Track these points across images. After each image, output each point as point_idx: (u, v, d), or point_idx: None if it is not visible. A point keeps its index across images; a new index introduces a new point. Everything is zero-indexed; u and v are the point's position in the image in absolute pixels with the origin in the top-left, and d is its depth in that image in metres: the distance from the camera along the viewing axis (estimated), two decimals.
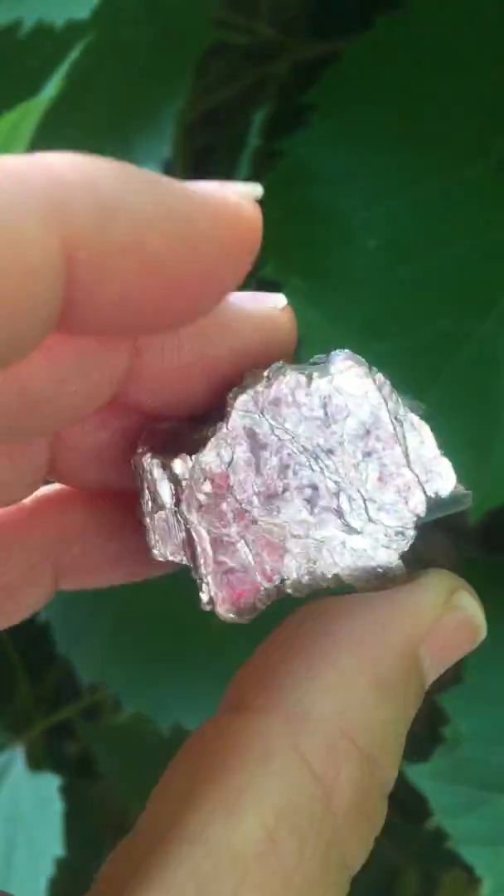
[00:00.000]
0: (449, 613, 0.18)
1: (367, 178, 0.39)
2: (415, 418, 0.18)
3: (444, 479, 0.19)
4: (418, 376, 0.34)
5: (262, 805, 0.15)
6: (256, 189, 0.16)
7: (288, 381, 0.18)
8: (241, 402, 0.18)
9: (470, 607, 0.18)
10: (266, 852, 0.14)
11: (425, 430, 0.18)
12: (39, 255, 0.13)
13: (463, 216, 0.37)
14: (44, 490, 0.21)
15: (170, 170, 0.48)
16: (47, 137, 0.38)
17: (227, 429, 0.18)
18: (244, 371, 0.18)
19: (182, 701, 0.47)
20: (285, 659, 0.17)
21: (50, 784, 0.53)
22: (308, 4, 0.58)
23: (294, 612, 0.18)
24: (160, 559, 0.19)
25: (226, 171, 0.51)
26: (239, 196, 0.15)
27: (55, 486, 0.21)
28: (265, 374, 0.18)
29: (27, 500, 0.20)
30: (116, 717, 0.60)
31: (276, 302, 0.19)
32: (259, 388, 0.18)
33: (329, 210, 0.38)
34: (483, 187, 0.37)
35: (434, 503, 0.19)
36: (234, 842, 0.14)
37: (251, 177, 0.37)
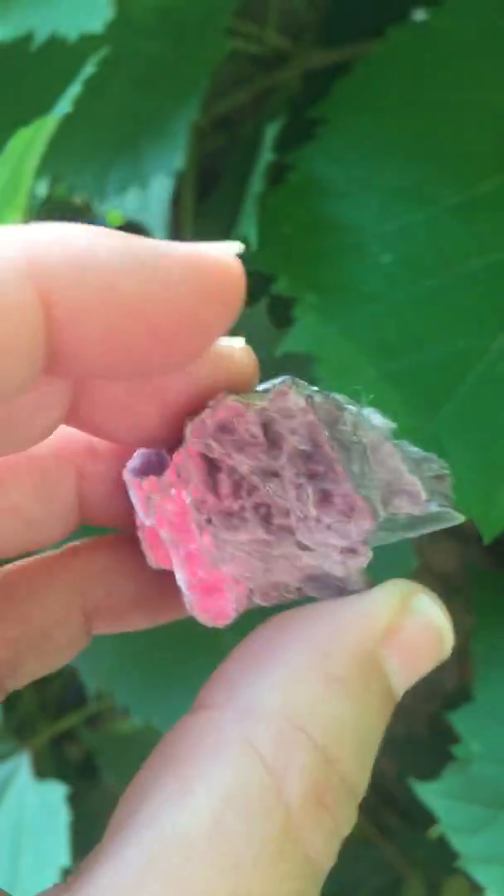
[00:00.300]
0: (408, 617, 0.18)
1: (380, 192, 0.38)
2: (379, 437, 0.19)
3: (413, 498, 0.19)
4: (433, 394, 0.34)
5: (210, 791, 0.15)
6: (235, 246, 0.17)
7: (228, 410, 0.19)
8: (192, 430, 0.19)
9: (429, 610, 0.18)
10: (213, 833, 0.15)
11: (389, 449, 0.19)
12: (15, 296, 0.14)
13: (478, 232, 0.37)
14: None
15: (181, 181, 0.47)
16: (58, 151, 0.38)
17: (186, 453, 0.19)
18: (207, 399, 0.19)
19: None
20: (241, 661, 0.18)
21: (56, 792, 0.53)
22: (318, 13, 0.58)
23: (260, 624, 0.19)
24: (155, 567, 0.20)
25: (235, 179, 0.51)
26: (217, 251, 0.16)
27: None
28: (209, 403, 0.19)
29: (54, 551, 0.21)
30: (121, 725, 0.60)
31: (233, 342, 0.19)
32: (204, 416, 0.19)
33: (341, 225, 0.38)
34: (499, 202, 0.37)
35: (417, 519, 0.19)
36: (181, 822, 0.15)
37: (265, 191, 0.37)
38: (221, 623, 0.19)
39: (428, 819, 0.71)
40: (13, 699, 0.62)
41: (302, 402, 0.18)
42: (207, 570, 0.19)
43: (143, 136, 0.43)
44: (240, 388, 0.19)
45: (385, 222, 0.38)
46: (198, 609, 0.19)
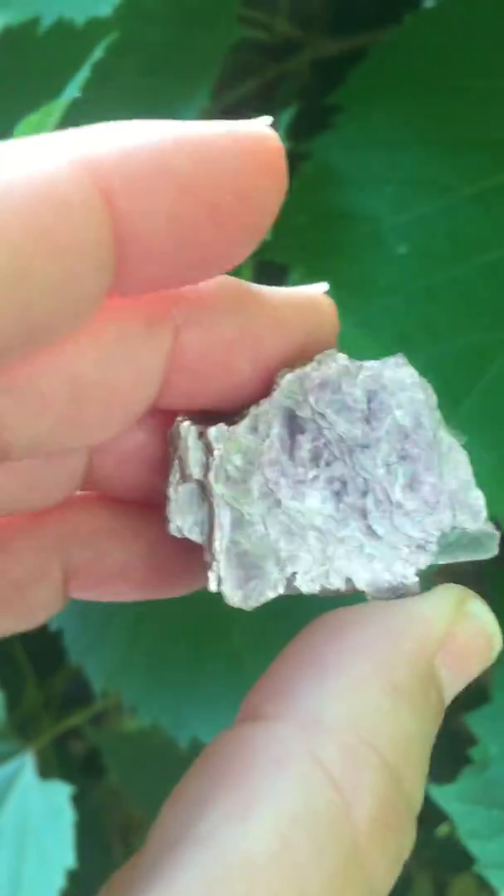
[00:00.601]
0: (462, 622, 0.17)
1: (396, 182, 0.38)
2: (455, 443, 0.18)
3: (474, 514, 0.18)
4: (452, 388, 0.33)
5: (276, 809, 0.14)
6: (267, 119, 0.16)
7: (338, 368, 0.18)
8: (287, 382, 0.18)
9: (482, 615, 0.18)
10: (279, 857, 0.14)
11: (462, 458, 0.18)
12: (76, 190, 0.14)
13: (496, 222, 0.36)
14: None
15: None
16: None
17: (269, 406, 0.18)
18: (291, 360, 0.18)
19: (199, 714, 0.46)
20: (298, 668, 0.16)
21: (60, 792, 0.52)
22: (327, 2, 0.57)
23: (308, 625, 0.17)
24: (175, 534, 0.18)
25: None
26: (253, 125, 0.16)
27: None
28: (317, 357, 0.18)
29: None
30: (127, 725, 0.59)
31: (317, 287, 0.19)
32: (308, 369, 0.18)
33: (357, 215, 0.37)
34: None
35: (456, 541, 0.18)
36: (247, 845, 0.14)
37: None
38: (251, 605, 0.18)
39: (436, 818, 0.70)
40: (16, 697, 0.62)
41: (416, 377, 0.18)
42: (254, 540, 0.18)
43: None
44: (325, 338, 0.18)
45: (401, 212, 0.37)
46: (229, 585, 0.18)
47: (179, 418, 0.18)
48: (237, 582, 0.18)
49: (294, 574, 0.18)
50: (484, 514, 0.18)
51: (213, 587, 0.18)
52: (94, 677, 0.48)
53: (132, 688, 0.48)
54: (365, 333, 0.34)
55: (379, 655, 0.16)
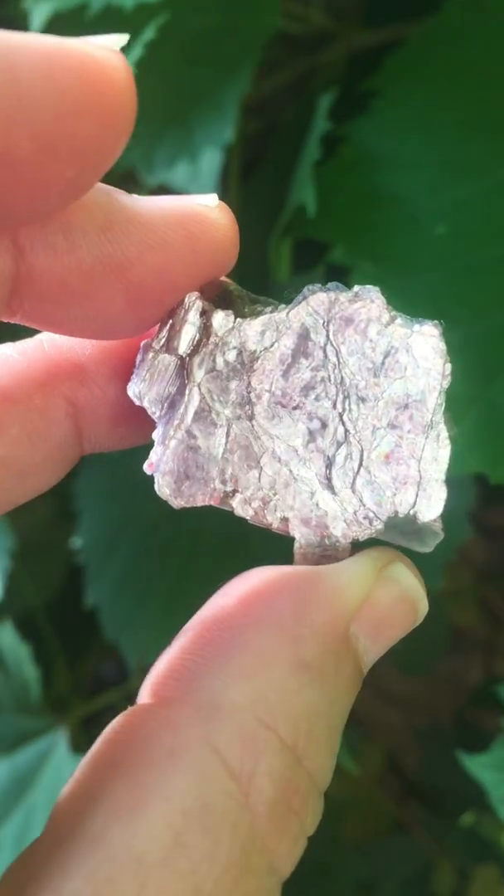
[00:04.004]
0: (382, 587, 0.17)
1: (433, 164, 0.38)
2: (444, 433, 0.17)
3: (431, 505, 0.17)
4: (488, 364, 0.34)
5: (168, 804, 0.13)
6: (118, 38, 0.13)
7: (371, 309, 0.17)
8: (315, 300, 0.17)
9: (404, 579, 0.17)
10: (171, 854, 0.13)
11: (445, 451, 0.17)
12: None
13: None
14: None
15: (228, 154, 0.47)
16: None
17: (286, 316, 0.17)
18: (188, 281, 0.16)
19: None
20: (200, 644, 0.16)
21: None
22: None
23: (216, 594, 0.17)
24: (134, 400, 0.17)
25: (281, 153, 0.51)
26: (93, 44, 0.12)
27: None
28: (356, 289, 0.17)
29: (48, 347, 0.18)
30: None
31: (204, 199, 0.16)
32: (342, 297, 0.17)
33: (395, 196, 0.38)
34: None
35: (401, 524, 0.17)
36: (136, 844, 0.13)
37: (321, 162, 0.37)
38: (178, 503, 0.17)
39: (458, 807, 0.71)
40: (49, 675, 0.63)
41: (442, 351, 0.17)
42: (209, 442, 0.17)
43: (193, 110, 0.43)
44: (220, 258, 0.16)
45: (439, 194, 0.37)
46: (164, 473, 0.17)
47: (193, 295, 0.17)
48: (176, 474, 0.17)
49: (234, 492, 0.17)
50: (439, 511, 0.17)
51: (147, 468, 0.17)
52: (129, 654, 0.49)
53: None
54: (404, 309, 0.35)
55: (286, 629, 0.15)
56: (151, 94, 0.45)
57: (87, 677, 0.65)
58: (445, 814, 0.71)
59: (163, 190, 0.48)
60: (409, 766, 0.76)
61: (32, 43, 0.12)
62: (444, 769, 0.72)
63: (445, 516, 0.17)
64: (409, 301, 0.35)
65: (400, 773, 0.76)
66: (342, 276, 0.36)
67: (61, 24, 0.39)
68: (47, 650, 0.62)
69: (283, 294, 0.17)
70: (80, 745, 0.59)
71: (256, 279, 0.43)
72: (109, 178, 0.15)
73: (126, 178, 0.49)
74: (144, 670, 0.52)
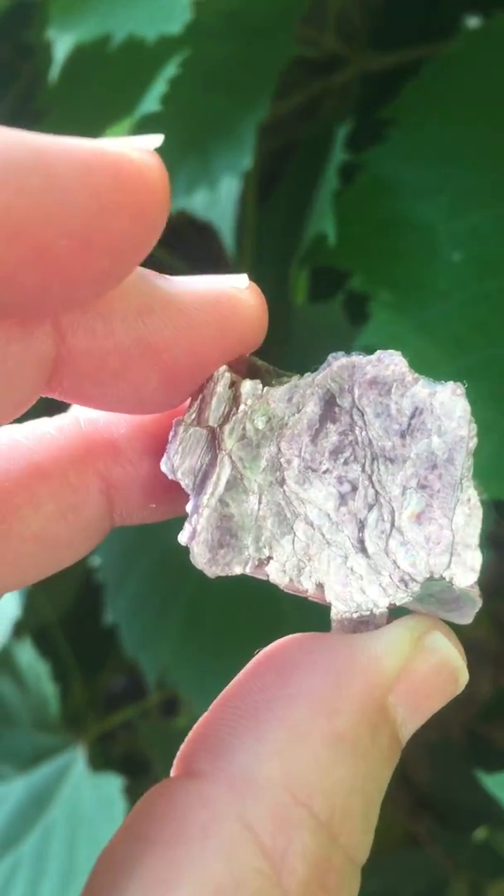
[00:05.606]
0: (420, 658, 0.16)
1: (450, 192, 0.39)
2: (475, 496, 0.17)
3: (467, 573, 0.17)
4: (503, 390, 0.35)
5: (201, 881, 0.13)
6: (154, 140, 0.14)
7: (394, 371, 0.17)
8: (339, 366, 0.17)
9: (443, 648, 0.17)
10: None
11: (477, 513, 0.17)
12: None
13: None
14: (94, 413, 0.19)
15: (245, 180, 0.48)
16: None
17: (312, 381, 0.17)
18: (218, 359, 0.17)
19: None
20: (234, 716, 0.15)
21: (112, 784, 0.54)
22: (373, 18, 0.59)
23: (250, 663, 0.16)
24: (167, 474, 0.17)
25: (297, 180, 0.51)
26: (127, 146, 0.13)
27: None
28: (378, 353, 0.17)
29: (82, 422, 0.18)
30: (176, 720, 0.60)
31: (235, 281, 0.17)
32: (364, 361, 0.17)
33: (412, 224, 0.38)
34: None
35: (438, 594, 0.17)
36: None
37: (338, 191, 0.38)
38: (214, 572, 0.17)
39: (471, 822, 0.71)
40: (64, 692, 0.63)
41: (468, 412, 0.17)
42: (243, 510, 0.17)
43: (211, 137, 0.44)
44: (249, 337, 0.17)
45: (455, 221, 0.38)
46: (200, 543, 0.17)
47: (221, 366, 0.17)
48: (210, 543, 0.17)
49: (269, 559, 0.17)
50: (476, 576, 0.17)
51: (183, 539, 0.17)
52: (149, 670, 0.50)
53: (184, 680, 0.49)
54: (423, 336, 0.35)
55: (321, 701, 0.15)
56: (170, 121, 0.46)
57: (100, 694, 0.66)
58: (458, 828, 0.71)
59: (182, 216, 0.48)
60: (421, 780, 0.76)
61: (72, 145, 0.12)
62: (455, 783, 0.72)
63: (483, 583, 0.17)
64: (427, 328, 0.36)
65: (411, 787, 0.76)
66: (361, 304, 0.36)
67: (84, 56, 0.40)
68: (64, 667, 0.63)
69: (310, 368, 0.18)
70: (97, 762, 0.59)
71: (271, 305, 0.44)
72: None
73: None
74: (163, 687, 0.52)
